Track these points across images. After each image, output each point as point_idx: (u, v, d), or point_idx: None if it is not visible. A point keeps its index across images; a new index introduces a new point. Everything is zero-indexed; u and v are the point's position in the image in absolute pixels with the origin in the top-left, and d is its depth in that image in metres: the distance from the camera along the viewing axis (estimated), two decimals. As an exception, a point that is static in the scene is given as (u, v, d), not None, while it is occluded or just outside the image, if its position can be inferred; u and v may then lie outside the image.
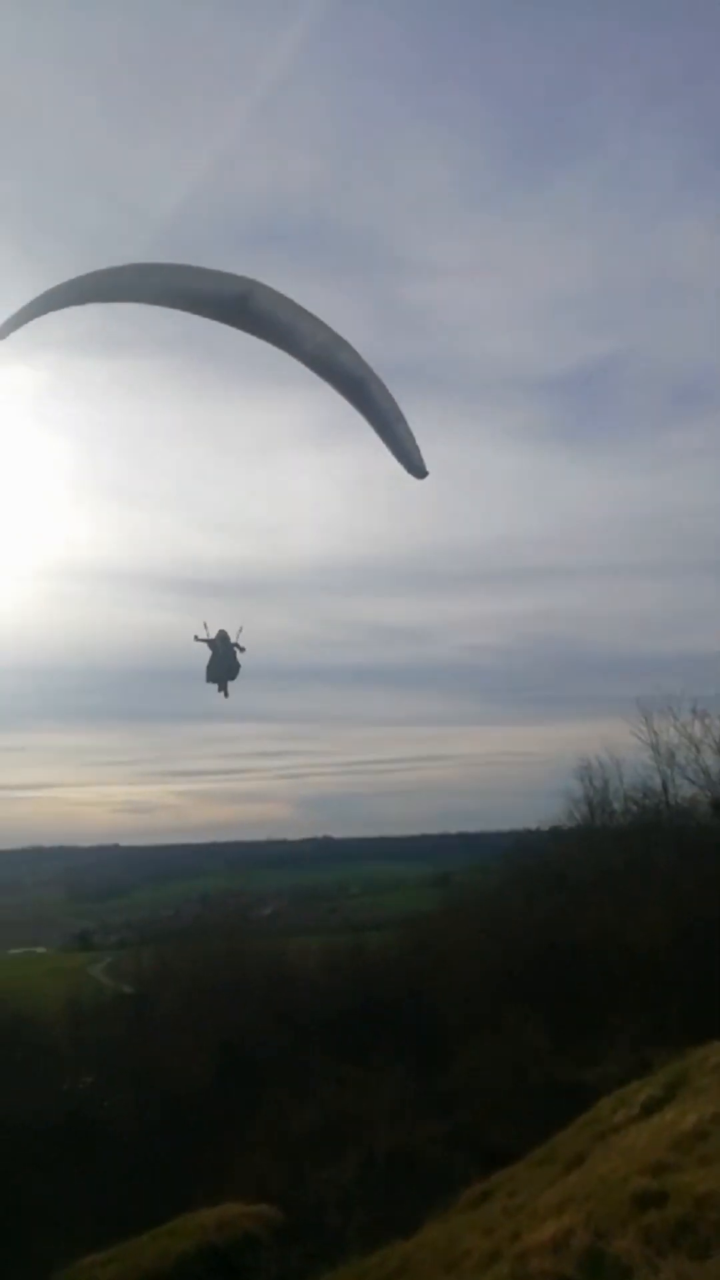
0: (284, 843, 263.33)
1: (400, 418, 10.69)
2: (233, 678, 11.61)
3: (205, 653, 11.35)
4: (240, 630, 11.47)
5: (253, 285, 9.73)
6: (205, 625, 11.43)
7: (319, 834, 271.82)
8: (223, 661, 11.45)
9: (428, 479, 10.94)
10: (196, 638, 11.43)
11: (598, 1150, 16.37)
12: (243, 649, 11.50)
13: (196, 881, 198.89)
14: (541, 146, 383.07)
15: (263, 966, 59.43)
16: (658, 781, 51.90)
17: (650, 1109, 18.24)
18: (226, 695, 11.57)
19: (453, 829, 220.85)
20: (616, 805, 56.06)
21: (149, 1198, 30.46)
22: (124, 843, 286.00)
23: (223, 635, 11.45)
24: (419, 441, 10.81)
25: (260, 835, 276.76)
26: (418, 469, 10.88)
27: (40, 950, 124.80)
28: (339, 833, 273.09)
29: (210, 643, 11.48)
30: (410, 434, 10.76)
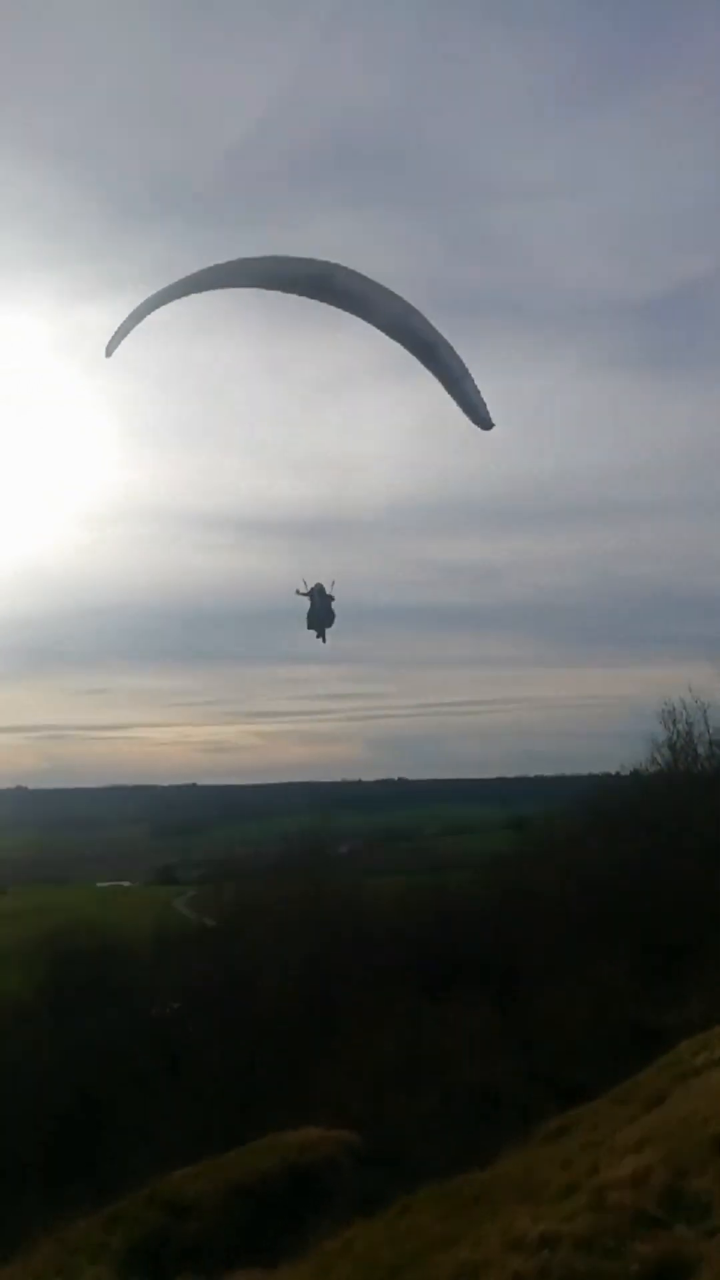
0: (358, 784, 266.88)
1: (467, 374, 11.57)
2: (330, 625, 12.52)
3: (292, 600, 11.90)
4: (334, 583, 12.35)
5: (333, 267, 10.93)
6: (304, 580, 12.35)
7: (393, 775, 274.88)
8: (320, 611, 12.41)
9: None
10: (298, 591, 12.39)
11: (678, 1091, 16.35)
12: (335, 599, 12.39)
13: (273, 820, 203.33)
14: (632, 53, 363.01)
15: (341, 902, 60.64)
16: (744, 726, 50.60)
17: (732, 1053, 18.10)
18: (325, 641, 12.50)
19: (529, 772, 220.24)
20: (701, 749, 54.89)
21: (235, 1119, 31.84)
22: (202, 782, 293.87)
23: (319, 588, 12.39)
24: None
25: (335, 776, 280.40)
26: (484, 421, 11.84)
27: (125, 884, 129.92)
28: (413, 774, 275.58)
29: (309, 594, 12.38)
30: (477, 390, 11.62)
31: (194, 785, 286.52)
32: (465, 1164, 18.06)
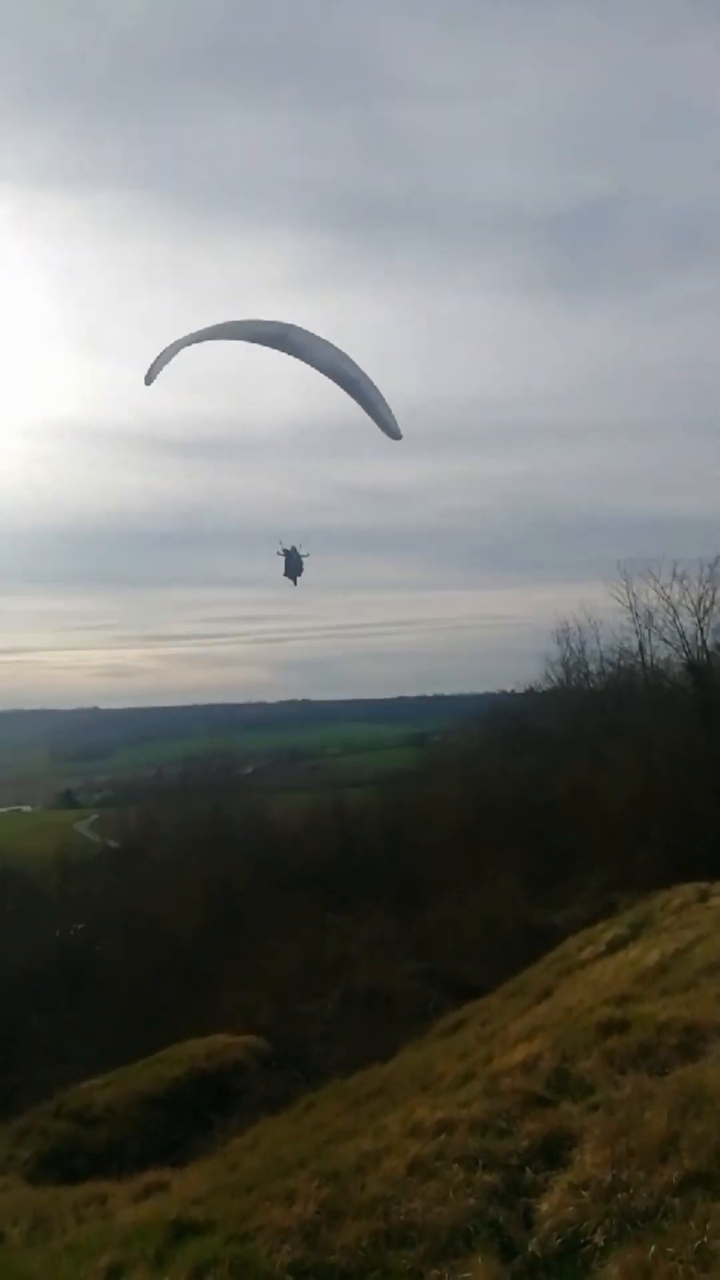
0: (263, 705, 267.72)
1: (381, 399, 14.79)
2: (300, 574, 15.76)
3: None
4: (303, 544, 15.77)
5: (289, 327, 14.31)
6: (280, 541, 15.67)
7: (298, 697, 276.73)
8: (294, 564, 15.57)
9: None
10: (278, 552, 15.62)
11: (565, 984, 17.43)
12: (307, 554, 15.71)
13: (177, 743, 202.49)
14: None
15: (246, 821, 61.43)
16: (635, 644, 52.68)
17: (615, 947, 19.36)
18: (295, 584, 15.77)
19: (430, 691, 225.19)
20: (593, 667, 57.05)
21: (142, 1032, 32.41)
22: (104, 705, 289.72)
23: (294, 548, 15.65)
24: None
25: (240, 699, 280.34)
26: (394, 434, 14.90)
27: (26, 808, 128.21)
28: (317, 695, 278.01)
29: (286, 552, 15.64)
30: (388, 409, 14.85)
31: (95, 709, 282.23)
32: (368, 1060, 18.95)
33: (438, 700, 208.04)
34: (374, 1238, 7.63)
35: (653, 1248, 6.21)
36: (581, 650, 56.94)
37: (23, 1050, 34.51)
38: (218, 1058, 23.22)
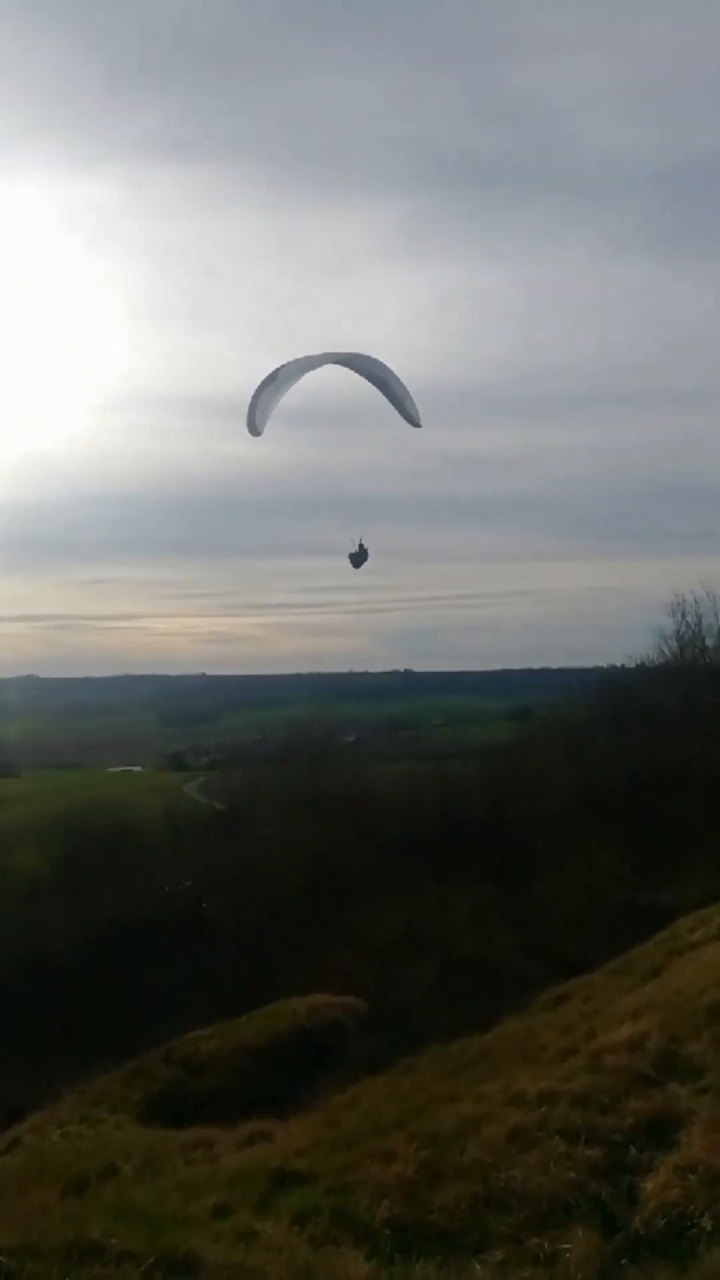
0: (365, 675, 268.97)
1: (407, 395, 17.32)
2: (364, 562, 18.55)
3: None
4: (362, 537, 18.52)
5: (360, 357, 17.23)
6: (360, 539, 18.46)
7: (400, 667, 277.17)
8: (360, 556, 18.50)
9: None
10: (351, 553, 18.46)
11: (674, 964, 17.02)
12: (367, 550, 18.43)
13: (280, 710, 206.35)
14: None
15: (347, 787, 62.16)
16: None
17: (727, 930, 18.77)
18: (356, 568, 18.52)
19: (535, 665, 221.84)
20: (709, 641, 55.02)
21: (248, 987, 33.44)
22: (210, 671, 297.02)
23: (362, 544, 18.48)
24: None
25: (342, 667, 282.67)
26: (414, 421, 17.52)
27: (137, 769, 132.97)
28: (420, 666, 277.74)
29: (359, 550, 18.54)
30: (413, 402, 17.36)
31: (202, 675, 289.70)
32: (467, 1028, 19.01)
33: (543, 673, 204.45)
34: (473, 1201, 7.67)
35: (764, 1237, 6.03)
36: (698, 624, 54.97)
37: (135, 997, 36.10)
38: (319, 1016, 23.76)
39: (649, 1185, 7.32)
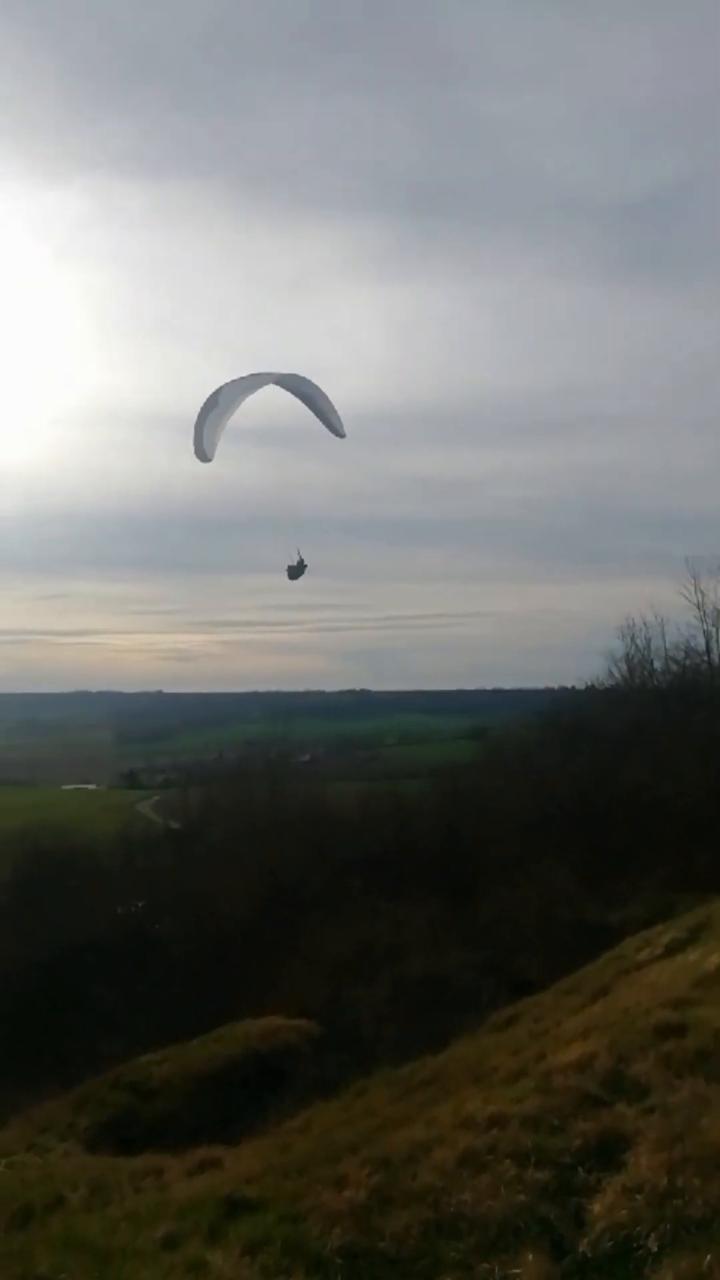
0: (321, 694, 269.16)
1: (333, 409, 18.10)
2: (301, 574, 19.15)
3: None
4: (299, 551, 19.02)
5: (291, 376, 17.84)
6: (298, 551, 18.97)
7: (356, 686, 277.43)
8: (297, 569, 19.09)
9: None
10: (291, 565, 19.05)
11: (621, 984, 17.24)
12: (306, 564, 19.10)
13: (237, 728, 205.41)
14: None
15: (302, 807, 61.96)
16: (701, 642, 51.60)
17: (673, 950, 19.07)
18: (293, 579, 19.14)
19: (489, 685, 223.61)
20: (658, 664, 56.04)
21: (198, 1010, 33.10)
22: (167, 689, 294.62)
23: (300, 560, 19.05)
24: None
25: (299, 686, 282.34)
26: (338, 432, 18.09)
27: (91, 787, 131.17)
28: (376, 685, 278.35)
29: (297, 564, 19.12)
30: (338, 416, 18.13)
31: (159, 692, 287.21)
32: (419, 1048, 19.02)
33: (496, 694, 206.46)
34: (424, 1226, 7.71)
35: (709, 1256, 6.16)
36: (647, 647, 55.99)
37: (85, 1020, 35.54)
38: (271, 1039, 23.61)
39: (596, 1207, 7.42)
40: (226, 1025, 26.17)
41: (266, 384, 17.46)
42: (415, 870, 44.40)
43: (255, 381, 17.20)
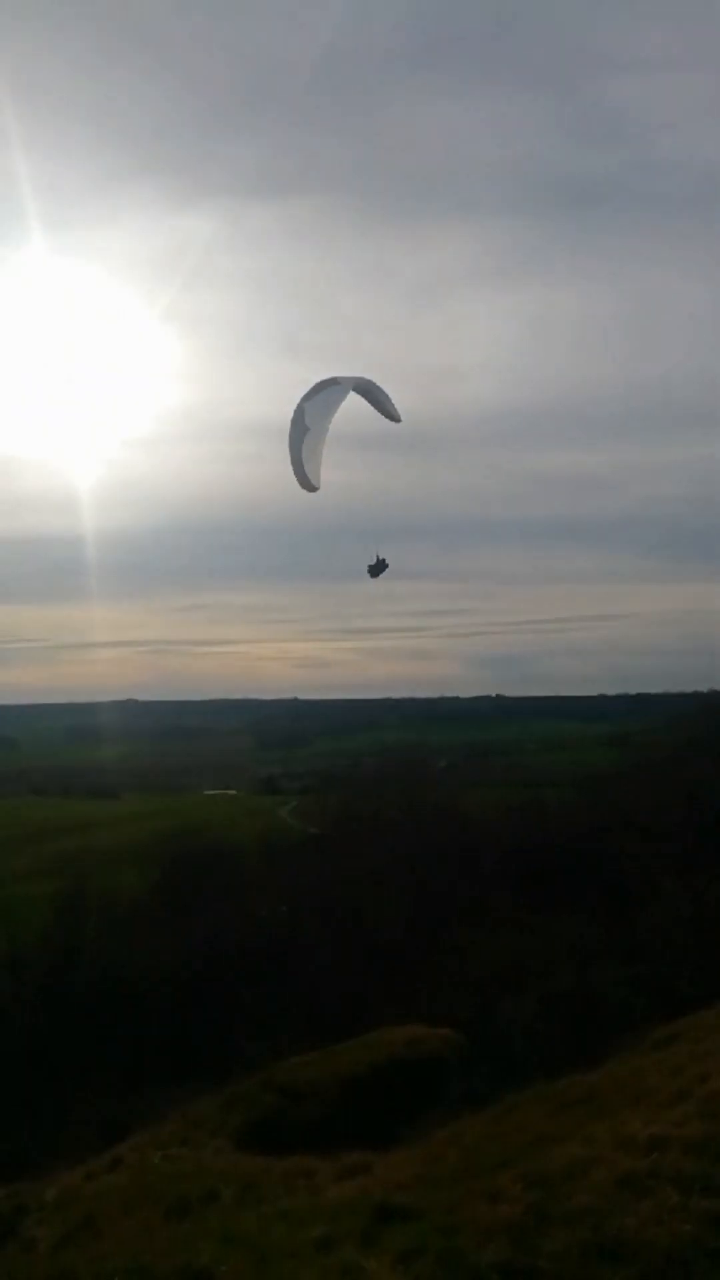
0: (456, 700, 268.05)
1: (388, 398, 17.60)
2: (381, 573, 19.08)
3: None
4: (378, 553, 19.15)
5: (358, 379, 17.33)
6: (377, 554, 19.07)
7: (491, 692, 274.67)
8: (376, 568, 19.08)
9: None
10: (371, 564, 19.02)
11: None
12: (386, 562, 19.04)
13: (371, 734, 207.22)
14: None
15: (441, 814, 61.67)
16: None
17: None
18: (373, 576, 19.07)
19: (631, 689, 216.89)
20: None
21: (341, 1013, 33.37)
22: (303, 696, 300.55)
23: (381, 559, 19.15)
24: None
25: (433, 692, 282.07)
26: (396, 418, 17.73)
27: (232, 792, 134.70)
28: (511, 691, 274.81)
29: (378, 563, 19.15)
30: (393, 405, 17.56)
31: (295, 699, 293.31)
32: (569, 1066, 18.48)
33: (640, 699, 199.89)
34: (583, 1248, 7.42)
35: None
36: None
37: (234, 1021, 36.41)
38: (418, 1047, 23.42)
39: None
40: (372, 1032, 26.20)
41: (344, 396, 16.94)
42: (561, 881, 43.40)
43: (335, 396, 16.69)
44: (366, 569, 18.97)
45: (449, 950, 37.15)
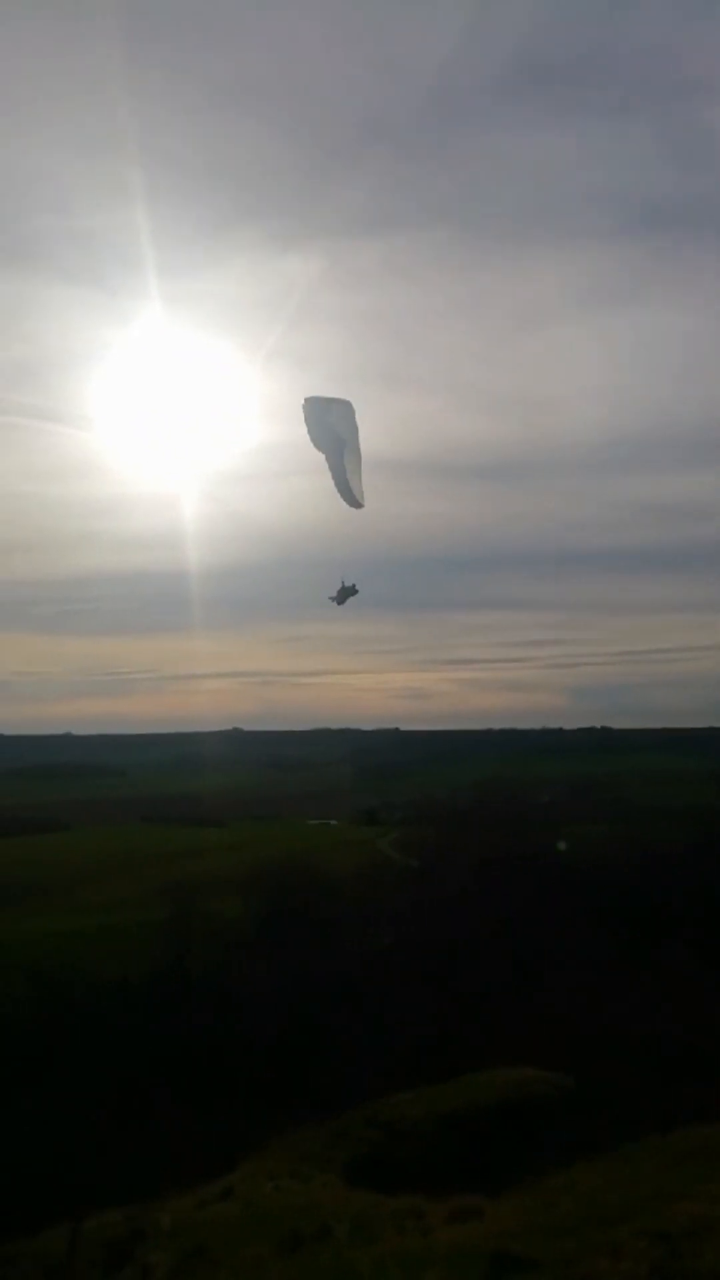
0: (558, 732, 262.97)
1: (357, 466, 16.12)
2: (349, 598, 17.81)
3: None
4: (342, 578, 17.81)
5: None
6: (342, 580, 17.72)
7: (596, 724, 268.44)
8: (344, 594, 17.82)
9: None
10: (334, 593, 17.78)
11: None
12: (355, 588, 17.82)
13: (471, 766, 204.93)
14: None
15: (541, 850, 60.60)
16: None
17: None
18: (340, 604, 17.81)
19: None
20: None
21: (440, 1050, 33.01)
22: (403, 726, 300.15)
23: (350, 585, 17.86)
24: None
25: (534, 724, 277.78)
26: (355, 504, 16.09)
27: (333, 822, 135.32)
28: (617, 723, 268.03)
29: (344, 590, 17.86)
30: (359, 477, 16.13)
31: (395, 730, 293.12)
32: (680, 1117, 17.88)
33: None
34: (712, 1311, 7.27)
35: None
36: None
37: (333, 1051, 36.44)
38: (525, 1090, 23.01)
39: None
40: (470, 1070, 25.85)
41: (348, 410, 15.71)
42: (666, 922, 42.02)
43: (342, 409, 15.55)
44: (330, 599, 17.78)
45: (549, 988, 36.33)
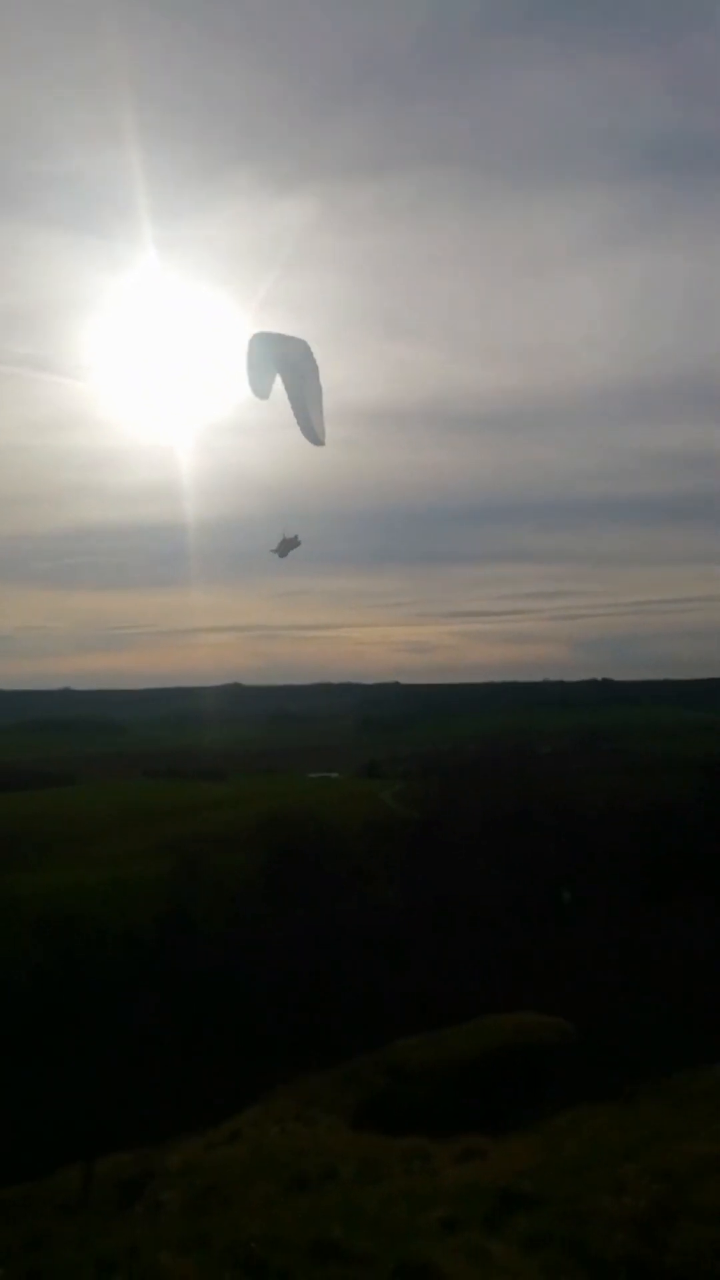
0: (561, 684, 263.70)
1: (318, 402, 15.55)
2: (290, 550, 17.46)
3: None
4: (283, 531, 17.48)
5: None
6: (284, 532, 17.39)
7: (598, 676, 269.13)
8: (286, 546, 17.37)
9: None
10: (277, 545, 17.35)
11: None
12: (297, 540, 17.48)
13: (473, 719, 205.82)
14: None
15: (550, 801, 60.96)
16: None
17: None
18: (281, 556, 17.46)
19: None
20: None
21: (449, 997, 33.50)
22: (404, 680, 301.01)
23: (292, 536, 17.50)
24: None
25: (537, 676, 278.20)
26: (316, 440, 15.53)
27: (334, 775, 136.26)
28: (620, 675, 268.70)
29: (283, 542, 17.41)
30: (320, 413, 15.62)
31: (396, 683, 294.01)
32: (686, 1060, 18.09)
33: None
34: (714, 1247, 7.30)
35: None
36: None
37: (347, 1001, 37.02)
38: (528, 1035, 23.36)
39: None
40: (481, 1017, 26.21)
41: (303, 349, 15.29)
42: (677, 871, 42.36)
43: (298, 346, 15.18)
44: (273, 551, 17.37)
45: (558, 938, 36.76)
